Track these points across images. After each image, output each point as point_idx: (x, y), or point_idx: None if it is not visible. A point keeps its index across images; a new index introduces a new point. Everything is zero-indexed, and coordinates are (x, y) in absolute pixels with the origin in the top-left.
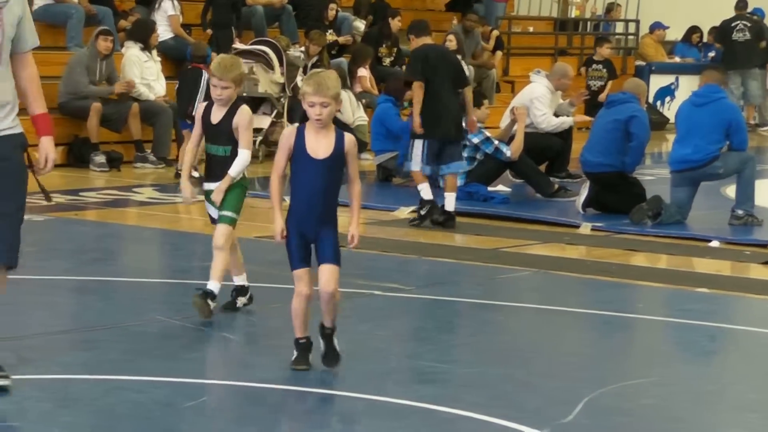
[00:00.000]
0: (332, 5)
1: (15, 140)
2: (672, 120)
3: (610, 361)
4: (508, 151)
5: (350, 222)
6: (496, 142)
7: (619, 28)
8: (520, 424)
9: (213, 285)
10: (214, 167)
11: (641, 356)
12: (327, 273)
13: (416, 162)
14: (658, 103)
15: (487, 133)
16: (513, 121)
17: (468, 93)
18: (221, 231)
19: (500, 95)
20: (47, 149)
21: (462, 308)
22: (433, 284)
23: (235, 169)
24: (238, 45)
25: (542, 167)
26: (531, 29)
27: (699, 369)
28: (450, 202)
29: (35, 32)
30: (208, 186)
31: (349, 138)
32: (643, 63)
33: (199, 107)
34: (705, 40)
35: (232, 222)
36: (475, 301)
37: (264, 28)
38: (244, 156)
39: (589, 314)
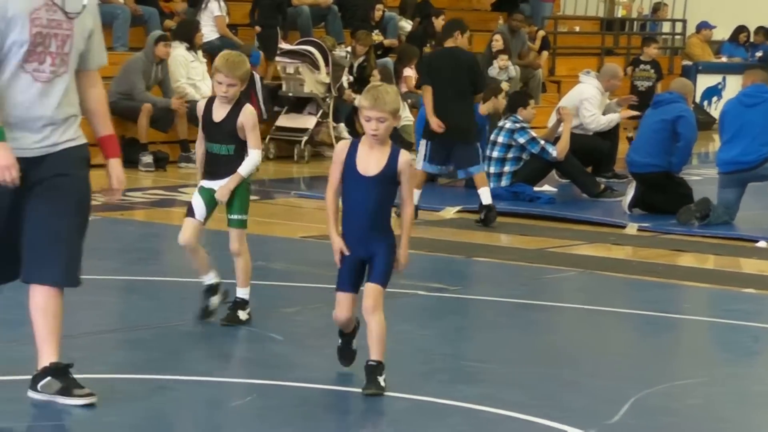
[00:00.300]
0: (378, 6)
1: (76, 153)
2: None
3: (656, 361)
4: (554, 151)
5: (399, 245)
6: (542, 142)
7: (666, 27)
8: (564, 425)
9: (242, 292)
10: (216, 165)
11: (687, 356)
12: (368, 291)
13: (418, 160)
14: (705, 103)
15: (533, 133)
16: (559, 121)
17: (477, 100)
18: (236, 235)
19: (546, 95)
20: (117, 172)
21: (507, 308)
22: (478, 284)
23: (246, 169)
24: (283, 45)
25: (588, 168)
26: (577, 29)
27: (745, 369)
28: (485, 196)
29: (104, 50)
30: (207, 183)
31: (404, 157)
32: (689, 63)
33: (199, 104)
34: (752, 39)
35: (244, 225)
36: (520, 301)
37: (310, 29)
38: (255, 156)
39: (634, 314)
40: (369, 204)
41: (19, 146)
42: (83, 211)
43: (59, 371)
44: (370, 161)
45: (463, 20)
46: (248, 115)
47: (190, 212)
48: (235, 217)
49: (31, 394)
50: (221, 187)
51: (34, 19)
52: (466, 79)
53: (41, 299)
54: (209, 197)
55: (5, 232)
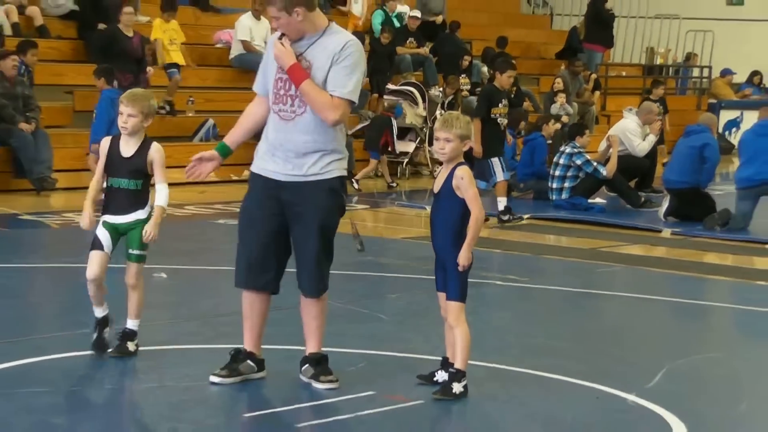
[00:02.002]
0: (466, 57)
1: (322, 185)
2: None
3: (686, 338)
4: (604, 171)
5: (463, 247)
6: (595, 163)
7: (695, 72)
8: (613, 389)
9: (132, 323)
10: (121, 200)
11: (712, 336)
12: (449, 308)
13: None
14: (726, 132)
15: (588, 156)
16: (608, 147)
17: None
18: (134, 270)
19: (598, 126)
20: None
21: (566, 296)
22: (544, 276)
23: (165, 201)
24: (390, 86)
25: (632, 183)
26: (624, 74)
27: (760, 347)
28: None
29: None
30: (111, 219)
31: (458, 172)
32: (714, 100)
33: (103, 142)
34: (764, 81)
35: (143, 260)
36: (578, 290)
37: (410, 72)
38: (166, 190)
39: (668, 301)
40: (436, 217)
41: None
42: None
43: (315, 360)
44: (439, 180)
45: (506, 60)
46: (160, 153)
47: (97, 245)
48: (135, 252)
49: (300, 375)
50: (150, 224)
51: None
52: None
53: (302, 304)
54: (114, 230)
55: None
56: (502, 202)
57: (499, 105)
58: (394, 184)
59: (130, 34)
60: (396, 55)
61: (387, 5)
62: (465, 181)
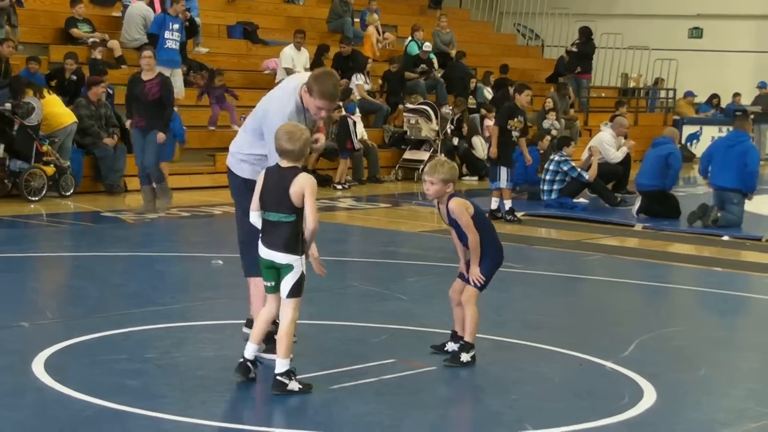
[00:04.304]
0: (473, 80)
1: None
2: (697, 156)
3: (655, 316)
4: (587, 175)
5: (471, 268)
6: (579, 169)
7: (662, 94)
8: (594, 357)
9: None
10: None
11: (676, 313)
12: (465, 289)
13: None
14: (689, 143)
15: (573, 163)
16: (590, 156)
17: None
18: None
19: (582, 138)
20: None
21: (556, 280)
22: (536, 263)
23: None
24: (408, 104)
25: (609, 186)
26: (603, 95)
27: (714, 321)
28: (494, 203)
29: None
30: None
31: (450, 207)
32: (678, 117)
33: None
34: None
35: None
36: (565, 275)
37: (425, 94)
38: None
39: (640, 284)
40: (458, 237)
41: None
42: None
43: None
44: (443, 214)
45: (523, 83)
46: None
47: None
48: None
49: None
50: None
51: None
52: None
53: None
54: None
55: None
56: (507, 203)
57: (515, 119)
58: (340, 186)
59: (147, 78)
60: (409, 81)
61: (415, 35)
62: (456, 213)
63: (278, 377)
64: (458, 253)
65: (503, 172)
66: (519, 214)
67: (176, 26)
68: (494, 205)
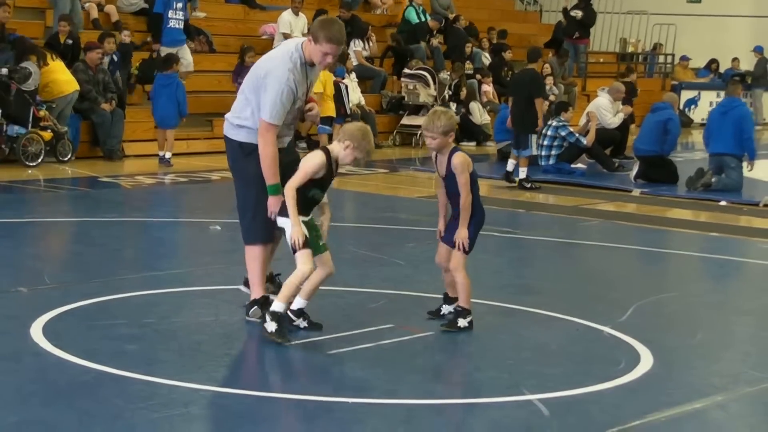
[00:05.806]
0: (468, 44)
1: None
2: (696, 121)
3: (651, 280)
4: (585, 141)
5: (458, 229)
6: (577, 135)
7: (661, 59)
8: (592, 323)
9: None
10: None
11: (672, 277)
12: (453, 255)
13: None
14: (686, 109)
15: (571, 129)
16: (588, 121)
17: (538, 103)
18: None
19: (580, 103)
20: None
21: (554, 245)
22: (534, 229)
23: None
24: (407, 70)
25: (607, 151)
26: (601, 60)
27: (711, 286)
28: (522, 172)
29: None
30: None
31: (453, 161)
32: (676, 82)
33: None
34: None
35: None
36: (563, 240)
37: (424, 59)
38: None
39: (637, 249)
40: (449, 191)
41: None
42: None
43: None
44: (441, 165)
45: (535, 50)
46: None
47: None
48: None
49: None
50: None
51: None
52: (527, 89)
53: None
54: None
55: None
56: (523, 171)
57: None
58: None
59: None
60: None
61: (413, 1)
62: (458, 169)
63: (267, 313)
64: (440, 211)
65: (533, 140)
66: (517, 179)
67: (180, 5)
68: (510, 167)
